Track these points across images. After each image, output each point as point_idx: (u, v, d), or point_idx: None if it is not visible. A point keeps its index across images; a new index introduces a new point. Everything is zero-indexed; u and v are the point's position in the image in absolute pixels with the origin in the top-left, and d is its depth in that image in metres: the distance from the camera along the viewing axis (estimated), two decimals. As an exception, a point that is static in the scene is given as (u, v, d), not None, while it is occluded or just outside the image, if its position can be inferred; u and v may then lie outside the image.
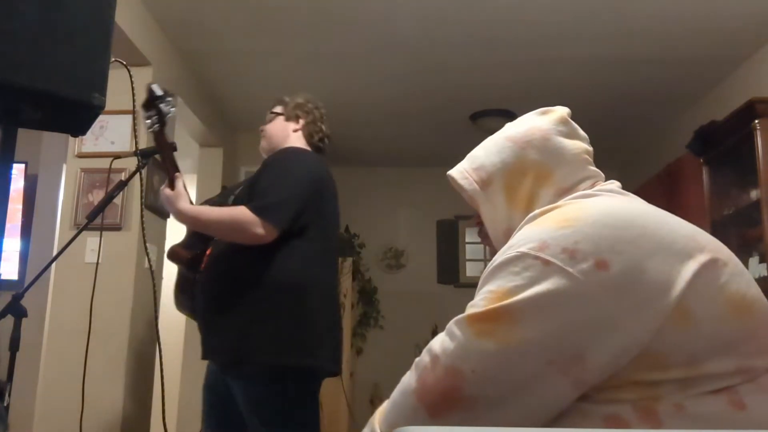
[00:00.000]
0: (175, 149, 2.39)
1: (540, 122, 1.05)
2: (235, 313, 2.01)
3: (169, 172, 2.10)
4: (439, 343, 0.85)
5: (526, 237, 0.87)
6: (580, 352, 0.77)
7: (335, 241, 2.27)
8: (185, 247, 2.30)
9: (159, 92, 1.99)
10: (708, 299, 0.80)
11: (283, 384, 2.01)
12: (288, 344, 2.00)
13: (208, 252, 2.20)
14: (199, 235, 2.22)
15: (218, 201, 2.39)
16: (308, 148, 2.32)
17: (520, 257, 0.83)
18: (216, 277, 2.10)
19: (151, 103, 2.00)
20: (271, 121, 2.36)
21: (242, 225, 1.99)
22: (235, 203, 2.14)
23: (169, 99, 2.01)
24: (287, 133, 2.33)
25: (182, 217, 2.08)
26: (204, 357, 2.15)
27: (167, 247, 2.39)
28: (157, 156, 2.16)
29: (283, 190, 2.07)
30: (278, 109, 2.38)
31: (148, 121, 2.01)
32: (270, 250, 2.04)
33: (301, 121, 2.35)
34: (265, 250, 2.03)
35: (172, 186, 2.09)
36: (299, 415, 2.04)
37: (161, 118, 2.03)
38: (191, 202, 2.12)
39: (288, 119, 2.35)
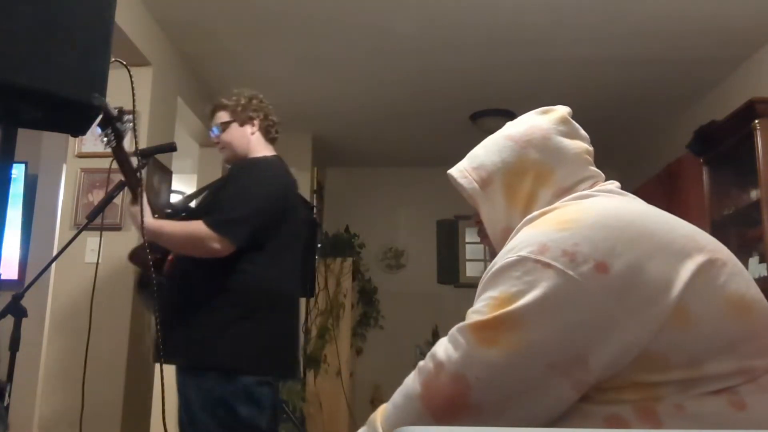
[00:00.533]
0: (174, 149, 2.39)
1: (540, 121, 1.04)
2: (193, 319, 2.04)
3: (131, 184, 2.10)
4: (443, 349, 0.85)
5: (526, 240, 0.86)
6: (581, 355, 0.77)
7: (296, 253, 2.30)
8: (145, 250, 2.32)
9: (114, 113, 2.01)
10: (707, 299, 0.80)
11: (235, 387, 2.04)
12: (242, 350, 2.05)
13: (170, 258, 2.22)
14: None
15: (181, 207, 2.40)
16: (270, 152, 2.33)
17: (521, 261, 0.83)
18: (178, 283, 2.13)
19: (108, 122, 2.03)
20: (224, 130, 2.31)
21: (199, 240, 2.03)
22: (198, 210, 2.15)
23: (126, 119, 2.02)
24: (248, 139, 2.30)
25: (144, 231, 2.10)
26: (156, 360, 2.17)
27: None
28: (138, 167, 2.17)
29: (243, 207, 2.09)
30: (227, 116, 2.32)
31: (105, 138, 2.03)
32: (230, 260, 2.08)
33: (256, 122, 2.32)
34: (226, 260, 2.07)
35: (135, 201, 2.10)
36: (251, 418, 2.06)
37: (117, 135, 2.04)
38: (158, 215, 2.15)
39: (242, 124, 2.31)
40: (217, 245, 2.03)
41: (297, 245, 2.31)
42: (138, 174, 2.14)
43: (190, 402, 2.08)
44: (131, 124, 2.02)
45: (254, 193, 2.13)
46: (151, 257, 2.27)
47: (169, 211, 2.33)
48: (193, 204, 2.50)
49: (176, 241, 2.09)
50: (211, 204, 2.17)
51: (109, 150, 2.08)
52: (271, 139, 2.37)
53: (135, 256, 2.35)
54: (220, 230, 2.03)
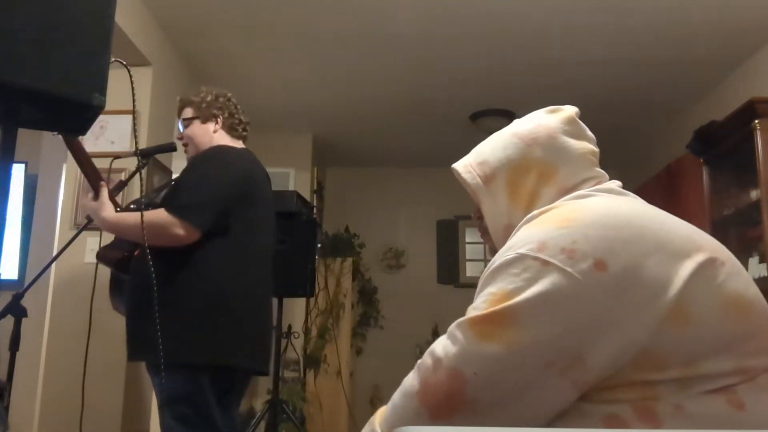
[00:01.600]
0: (174, 149, 2.39)
1: (547, 120, 1.05)
2: (155, 316, 1.99)
3: (91, 180, 2.07)
4: (441, 346, 0.85)
5: (525, 238, 0.87)
6: (579, 353, 0.77)
7: (266, 239, 2.27)
8: (113, 248, 2.30)
9: None
10: (705, 299, 0.80)
11: (197, 382, 2.02)
12: (203, 342, 2.02)
13: (136, 253, 2.19)
14: None
15: (146, 201, 2.38)
16: (236, 144, 2.32)
17: (520, 258, 0.83)
18: (140, 278, 2.06)
19: None
20: (187, 126, 2.31)
21: (161, 228, 2.00)
22: (163, 202, 2.14)
23: None
24: (210, 136, 2.29)
25: (105, 225, 2.09)
26: (130, 358, 2.17)
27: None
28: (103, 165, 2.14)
29: (204, 190, 2.07)
30: (190, 113, 2.32)
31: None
32: (192, 250, 2.05)
33: (220, 119, 2.31)
34: (188, 250, 2.04)
35: (96, 196, 2.07)
36: (213, 413, 2.04)
37: None
38: (121, 210, 2.12)
39: (205, 121, 2.30)
40: (180, 231, 2.00)
41: (266, 237, 2.27)
42: (137, 174, 2.14)
43: (159, 402, 2.06)
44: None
45: (214, 177, 2.10)
46: (118, 255, 2.26)
47: (134, 206, 2.30)
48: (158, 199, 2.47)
49: (138, 231, 2.00)
50: (172, 192, 2.14)
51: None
52: (237, 137, 2.35)
53: (102, 255, 2.31)
54: (182, 215, 2.00)
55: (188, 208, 2.02)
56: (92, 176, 2.08)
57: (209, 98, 2.32)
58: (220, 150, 2.22)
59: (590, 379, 0.78)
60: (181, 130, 2.33)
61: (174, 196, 2.08)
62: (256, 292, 2.19)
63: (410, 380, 0.87)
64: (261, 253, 2.24)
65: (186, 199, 2.05)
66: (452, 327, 0.85)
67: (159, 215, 2.01)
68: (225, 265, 2.09)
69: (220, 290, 2.07)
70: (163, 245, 2.03)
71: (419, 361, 0.88)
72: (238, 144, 2.34)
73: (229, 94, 2.37)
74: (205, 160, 2.18)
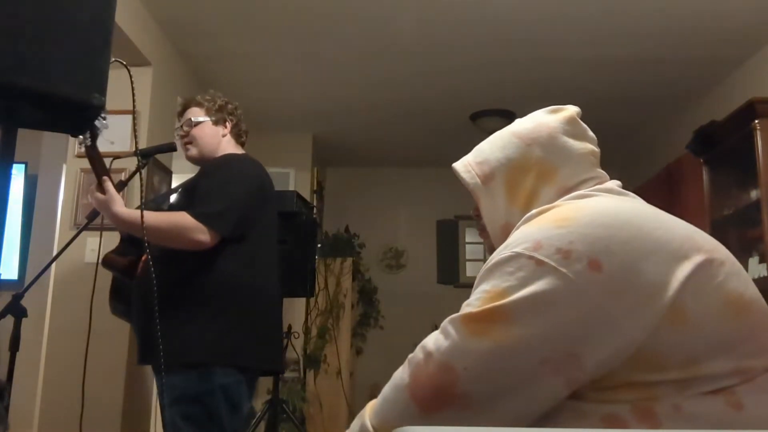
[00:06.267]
0: (174, 149, 2.38)
1: (548, 120, 1.04)
2: (171, 317, 1.97)
3: (98, 175, 2.01)
4: (433, 340, 0.85)
5: (522, 237, 0.87)
6: (573, 352, 0.78)
7: (273, 248, 2.29)
8: (119, 254, 2.28)
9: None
10: (704, 299, 0.80)
11: (209, 382, 2.01)
12: (218, 342, 2.02)
13: (143, 258, 2.17)
14: (132, 241, 2.21)
15: (153, 207, 2.37)
16: (240, 151, 2.34)
17: (515, 257, 0.84)
18: (153, 282, 2.01)
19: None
20: (196, 126, 2.30)
21: (184, 231, 1.99)
22: (171, 210, 2.13)
23: (103, 115, 1.97)
24: (218, 140, 2.30)
25: (118, 221, 2.03)
26: (140, 362, 2.17)
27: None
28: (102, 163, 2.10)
29: (227, 198, 2.08)
30: (201, 113, 2.31)
31: (81, 136, 1.96)
32: (208, 254, 2.05)
33: (229, 125, 2.33)
34: (203, 255, 2.04)
35: (102, 189, 2.02)
36: (222, 414, 2.03)
37: (93, 134, 1.97)
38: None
39: (216, 124, 2.31)
40: (203, 237, 2.00)
41: (274, 240, 2.30)
42: (138, 174, 2.13)
43: (167, 402, 2.05)
44: (106, 122, 1.96)
45: (235, 186, 2.12)
46: (125, 260, 2.24)
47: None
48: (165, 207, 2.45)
49: (158, 232, 2.00)
50: (189, 199, 2.12)
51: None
52: (241, 144, 2.39)
53: (108, 261, 2.26)
54: (207, 222, 2.01)
55: (213, 216, 2.03)
56: (100, 171, 2.03)
57: (219, 102, 2.33)
58: (236, 158, 2.25)
59: (584, 377, 0.78)
60: (187, 129, 2.32)
61: (195, 203, 2.08)
62: (269, 293, 2.21)
63: (401, 374, 0.87)
64: (271, 256, 2.26)
65: (209, 206, 2.05)
66: (445, 323, 0.86)
67: (184, 219, 2.01)
68: (240, 268, 2.11)
69: (235, 292, 2.08)
70: (179, 248, 2.03)
71: (410, 355, 0.88)
72: (241, 150, 2.37)
73: (236, 103, 2.39)
74: (222, 167, 2.19)
